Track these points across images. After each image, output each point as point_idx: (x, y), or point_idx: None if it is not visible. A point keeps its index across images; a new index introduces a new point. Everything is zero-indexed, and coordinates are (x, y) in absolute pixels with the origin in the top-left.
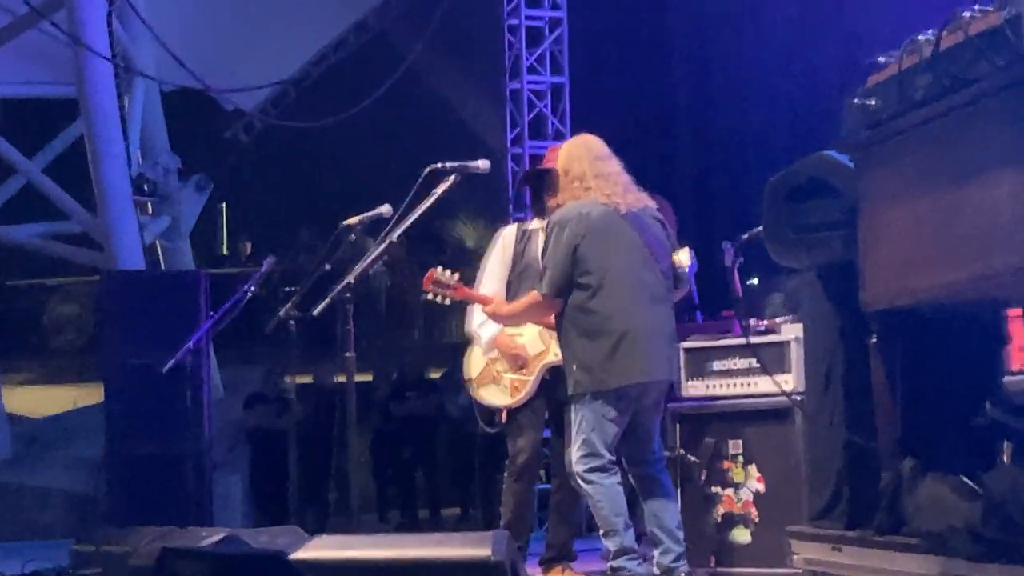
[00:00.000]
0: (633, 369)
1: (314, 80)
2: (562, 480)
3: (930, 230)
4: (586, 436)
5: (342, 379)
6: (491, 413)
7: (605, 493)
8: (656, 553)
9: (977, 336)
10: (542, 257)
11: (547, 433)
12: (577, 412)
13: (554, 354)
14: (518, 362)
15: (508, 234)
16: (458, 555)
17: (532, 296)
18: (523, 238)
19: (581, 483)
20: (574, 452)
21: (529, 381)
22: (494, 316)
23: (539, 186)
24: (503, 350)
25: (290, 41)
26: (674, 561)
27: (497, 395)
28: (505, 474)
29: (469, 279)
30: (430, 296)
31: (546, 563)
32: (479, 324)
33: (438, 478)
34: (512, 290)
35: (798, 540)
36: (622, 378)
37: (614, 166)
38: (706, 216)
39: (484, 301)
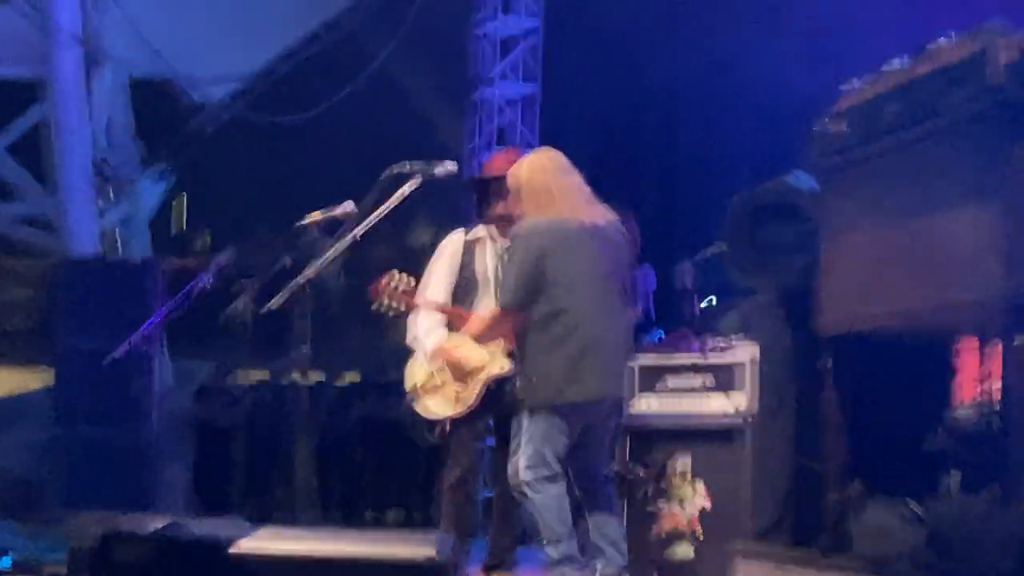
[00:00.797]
0: (592, 384)
1: (281, 75)
2: (503, 488)
3: (890, 258)
4: (537, 447)
5: (296, 376)
6: (434, 423)
7: (551, 500)
8: (599, 564)
9: (928, 366)
10: (502, 268)
11: (490, 441)
12: (530, 422)
13: (499, 366)
14: (461, 372)
15: (456, 241)
16: (402, 555)
17: (493, 311)
18: (468, 249)
19: (527, 491)
20: (522, 461)
21: (474, 393)
22: (469, 335)
23: (483, 192)
24: (447, 360)
25: (259, 35)
26: (617, 573)
27: (441, 405)
28: (445, 486)
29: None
30: (375, 307)
31: (489, 569)
32: (424, 331)
33: (384, 479)
34: (459, 294)
35: (742, 558)
36: (580, 392)
37: (576, 180)
38: (668, 233)
39: (458, 315)
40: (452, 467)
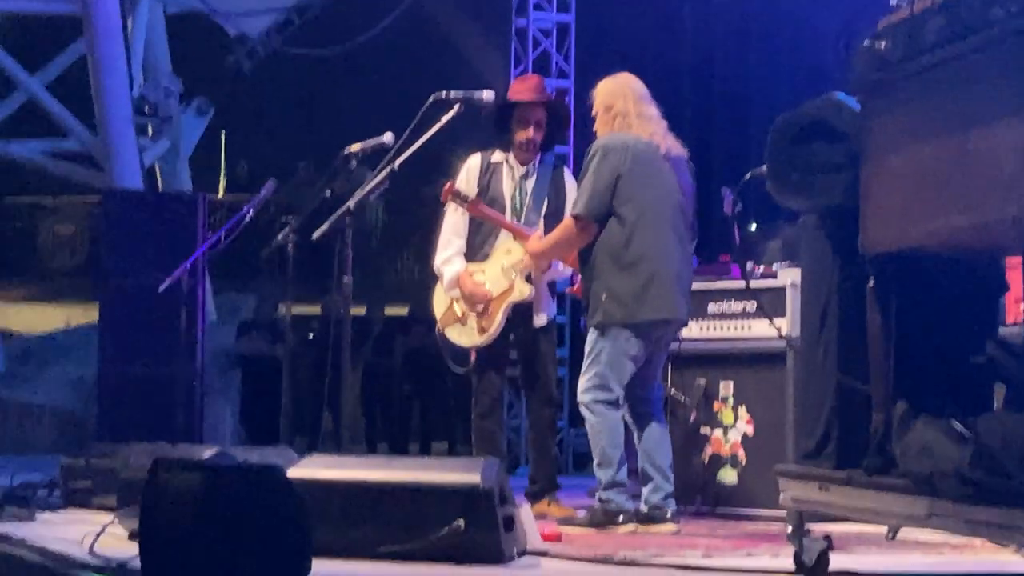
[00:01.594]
0: (664, 305)
1: (319, 9)
2: (535, 417)
3: (933, 176)
4: (600, 369)
5: (340, 308)
6: (460, 353)
7: (607, 425)
8: (645, 490)
9: (975, 283)
10: (578, 182)
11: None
12: (597, 343)
13: (519, 291)
14: (478, 302)
15: (472, 165)
16: (448, 480)
17: (565, 223)
18: (487, 170)
19: (586, 411)
20: (584, 380)
21: (495, 320)
22: (532, 253)
23: (505, 118)
24: (464, 290)
25: None
26: (663, 499)
27: (464, 336)
28: (473, 414)
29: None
30: (449, 205)
31: (532, 496)
32: (443, 261)
33: (429, 412)
34: (477, 224)
35: (785, 479)
36: (653, 312)
37: (655, 109)
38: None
39: (518, 232)
40: (479, 397)
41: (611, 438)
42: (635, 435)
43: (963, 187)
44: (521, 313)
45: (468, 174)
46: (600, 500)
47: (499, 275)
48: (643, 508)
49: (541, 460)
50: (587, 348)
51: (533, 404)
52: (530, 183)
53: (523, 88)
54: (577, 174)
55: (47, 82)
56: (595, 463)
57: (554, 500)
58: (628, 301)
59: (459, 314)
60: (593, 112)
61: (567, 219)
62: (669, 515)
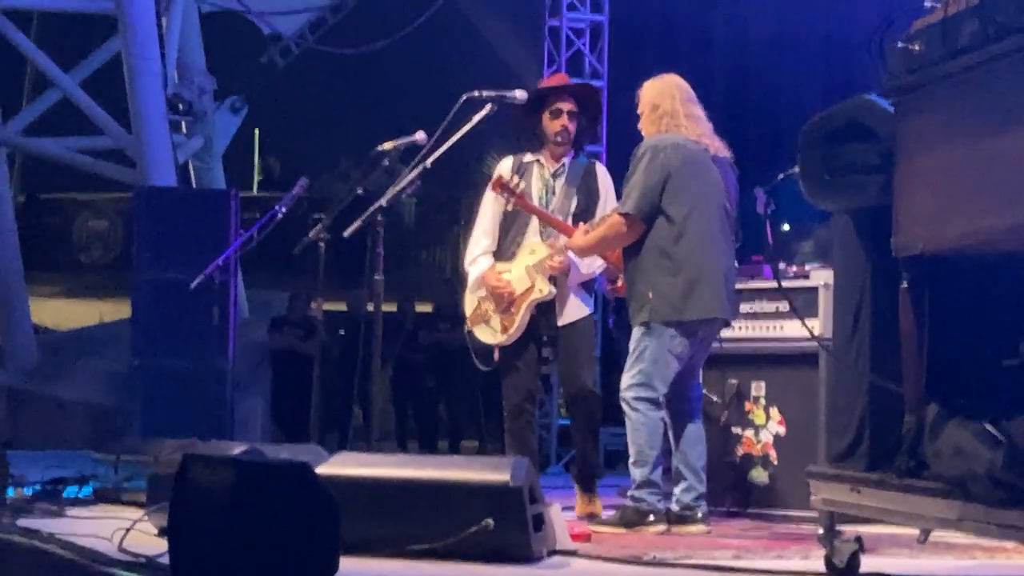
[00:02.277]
0: (711, 304)
1: (352, 7)
2: (571, 412)
3: (966, 178)
4: (645, 366)
5: (371, 307)
6: (486, 351)
7: (648, 424)
8: (677, 490)
9: (1009, 284)
10: (625, 181)
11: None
12: (642, 340)
13: (539, 291)
14: (504, 301)
15: (504, 168)
16: (477, 478)
17: (612, 220)
18: (519, 170)
19: (627, 407)
20: (628, 377)
21: (516, 319)
22: (574, 248)
23: (536, 112)
24: (489, 288)
25: None
26: (695, 499)
27: (488, 334)
28: (505, 414)
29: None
30: (506, 204)
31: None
32: (470, 261)
33: (458, 411)
34: (506, 225)
35: (817, 480)
36: (700, 311)
37: (701, 111)
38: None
39: (562, 226)
40: (508, 396)
41: (650, 437)
42: (671, 433)
43: (997, 188)
44: (546, 312)
45: (500, 176)
46: (632, 499)
47: (522, 275)
48: (674, 507)
49: (578, 455)
50: (632, 345)
51: (568, 400)
52: (560, 181)
53: (551, 81)
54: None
55: (81, 80)
56: (631, 460)
57: (586, 495)
58: (675, 300)
59: (485, 313)
60: (639, 110)
61: (615, 216)
62: (700, 516)
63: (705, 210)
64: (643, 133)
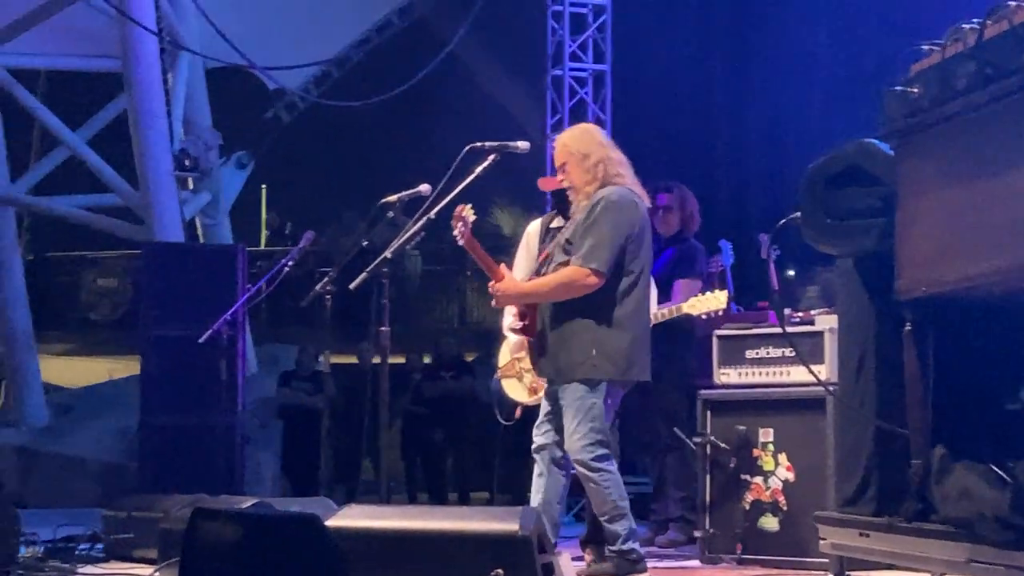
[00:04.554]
0: (646, 366)
1: (357, 61)
2: None
3: (966, 220)
4: (596, 424)
5: (377, 360)
6: (510, 406)
7: (613, 479)
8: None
9: (1012, 326)
10: (585, 233)
11: None
12: (587, 398)
13: None
14: None
15: (532, 231)
16: (486, 528)
17: (579, 271)
18: (547, 236)
19: (587, 471)
20: (580, 437)
21: (546, 385)
22: (505, 292)
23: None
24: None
25: (333, 22)
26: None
27: (517, 390)
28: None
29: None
30: (455, 232)
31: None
32: (508, 326)
33: (467, 462)
34: None
35: (826, 525)
36: (639, 373)
37: (624, 159)
38: (744, 206)
39: (492, 269)
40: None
41: (619, 491)
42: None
43: (998, 230)
44: None
45: (528, 240)
46: (622, 552)
47: None
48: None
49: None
50: (572, 403)
51: None
52: None
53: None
54: None
55: (88, 138)
56: (606, 518)
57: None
58: (618, 359)
59: (519, 371)
60: (560, 162)
61: (579, 271)
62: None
63: (647, 266)
64: (572, 183)
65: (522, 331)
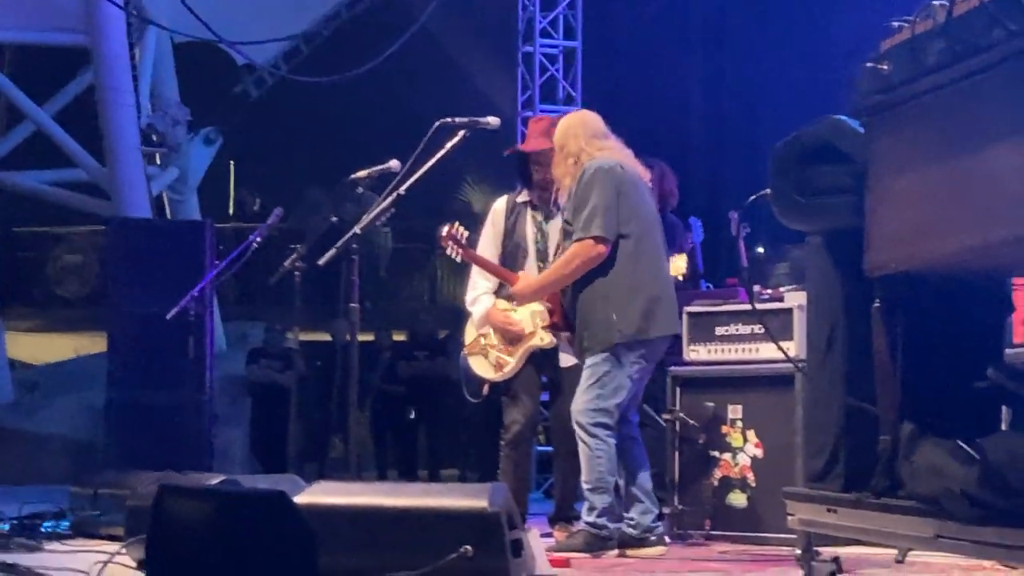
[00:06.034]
0: (671, 321)
1: (326, 36)
2: (564, 446)
3: (937, 197)
4: (604, 392)
5: (347, 335)
6: (476, 382)
7: (608, 451)
8: (635, 513)
9: (982, 304)
10: (577, 208)
11: (545, 397)
12: (603, 366)
13: (539, 339)
14: (510, 337)
15: (498, 209)
16: (456, 505)
17: (575, 248)
18: (512, 212)
19: (584, 434)
20: (586, 401)
21: (512, 361)
22: (523, 292)
23: (524, 163)
24: (496, 326)
25: None
26: (654, 521)
27: (483, 367)
28: (502, 442)
29: (477, 244)
30: (448, 251)
31: (553, 521)
32: (470, 302)
33: (438, 440)
34: (505, 265)
35: (794, 501)
36: (661, 329)
37: (614, 141)
38: (716, 185)
39: (503, 276)
40: (508, 426)
41: (610, 465)
42: (619, 458)
43: (967, 208)
44: (550, 357)
45: (495, 217)
46: (593, 525)
47: (528, 318)
48: (631, 531)
49: (567, 487)
50: (589, 371)
51: (558, 438)
52: (554, 225)
53: (531, 133)
54: None
55: (55, 112)
56: (588, 487)
57: (567, 528)
58: (638, 319)
59: (484, 348)
60: (561, 149)
61: (583, 244)
62: (657, 537)
63: (653, 230)
64: (554, 175)
65: (554, 327)
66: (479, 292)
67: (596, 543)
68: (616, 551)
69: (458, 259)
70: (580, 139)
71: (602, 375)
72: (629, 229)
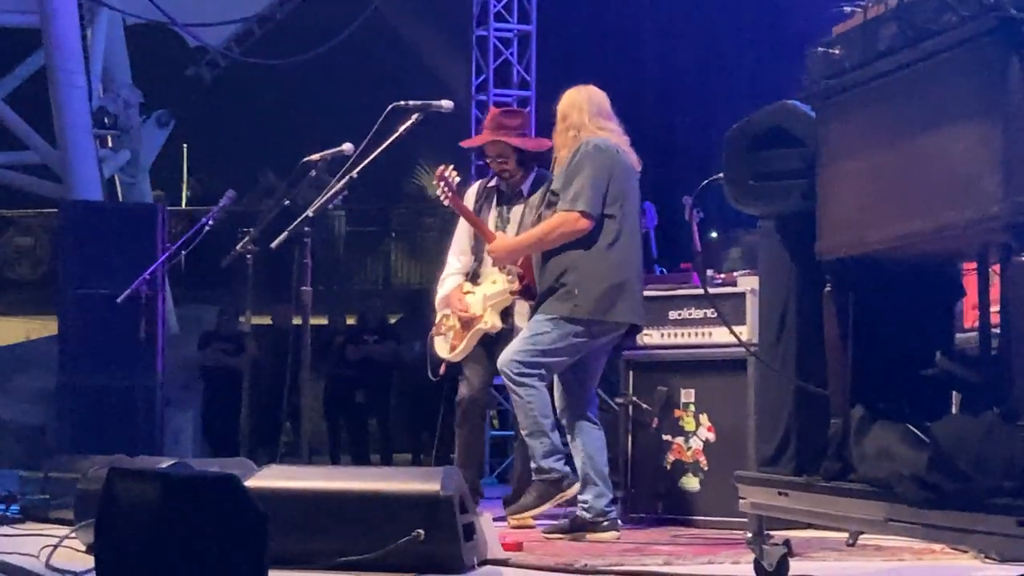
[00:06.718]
0: (634, 310)
1: (280, 19)
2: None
3: (887, 181)
4: (538, 348)
5: (298, 321)
6: (435, 363)
7: (537, 395)
8: (589, 496)
9: (932, 288)
10: (568, 180)
11: (498, 380)
12: (544, 326)
13: (486, 322)
14: (464, 320)
15: (469, 194)
16: (407, 489)
17: (566, 216)
18: (480, 196)
19: (512, 384)
20: (515, 353)
21: (462, 343)
22: (498, 251)
23: (483, 154)
24: (452, 309)
25: None
26: (608, 505)
27: (442, 348)
28: (456, 413)
29: (431, 227)
30: (438, 192)
31: (508, 503)
32: (440, 280)
33: (390, 424)
34: (478, 247)
35: (745, 485)
36: (622, 315)
37: (615, 124)
38: (670, 169)
39: (483, 231)
40: (457, 406)
41: (542, 408)
42: (571, 439)
43: (918, 192)
44: (504, 338)
45: (467, 201)
46: (540, 471)
47: (480, 301)
48: (585, 515)
49: (525, 469)
50: (528, 328)
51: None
52: (517, 210)
53: (484, 126)
54: None
55: (6, 94)
56: (526, 433)
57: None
58: (601, 300)
59: (444, 328)
60: (566, 117)
61: (569, 215)
62: (609, 522)
63: (634, 218)
64: (555, 144)
65: (522, 293)
66: (448, 271)
67: (548, 491)
68: (576, 486)
69: (446, 202)
70: (584, 114)
71: (541, 333)
72: (613, 211)
